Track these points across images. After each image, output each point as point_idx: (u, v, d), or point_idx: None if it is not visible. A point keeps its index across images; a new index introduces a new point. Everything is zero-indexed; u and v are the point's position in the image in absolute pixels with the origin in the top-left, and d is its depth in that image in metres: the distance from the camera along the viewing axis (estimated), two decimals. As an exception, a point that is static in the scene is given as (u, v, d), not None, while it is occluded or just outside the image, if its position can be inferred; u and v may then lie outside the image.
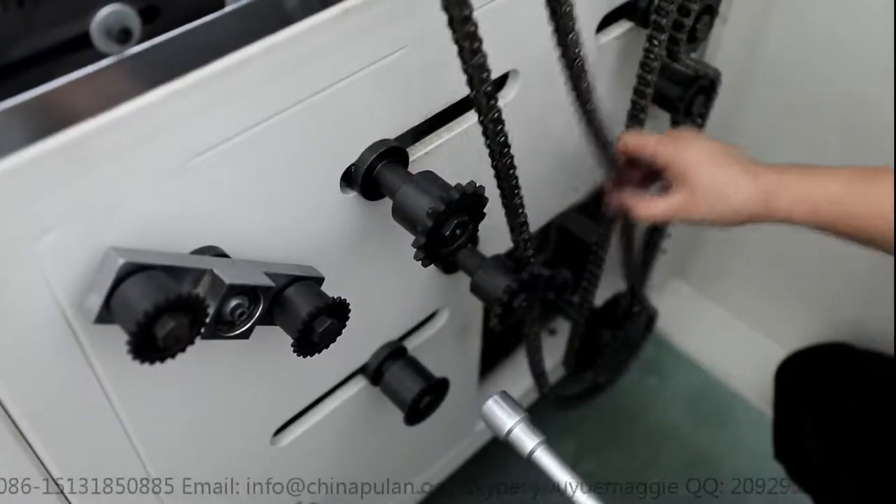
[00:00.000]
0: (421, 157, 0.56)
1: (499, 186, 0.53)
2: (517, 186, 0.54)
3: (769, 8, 0.85)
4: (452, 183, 0.50)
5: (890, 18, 0.78)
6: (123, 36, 0.35)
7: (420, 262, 0.50)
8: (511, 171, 0.52)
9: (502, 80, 0.61)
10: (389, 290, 0.64)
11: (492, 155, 0.50)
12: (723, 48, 0.81)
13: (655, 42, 0.64)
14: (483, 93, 0.45)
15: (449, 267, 0.69)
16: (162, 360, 0.40)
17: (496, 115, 0.47)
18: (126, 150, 0.38)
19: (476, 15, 0.40)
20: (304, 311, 0.47)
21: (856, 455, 0.80)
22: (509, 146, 0.50)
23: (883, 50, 0.80)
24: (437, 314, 0.74)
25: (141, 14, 0.35)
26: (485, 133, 0.49)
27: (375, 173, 0.52)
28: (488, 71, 0.44)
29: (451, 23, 0.39)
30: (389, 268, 0.62)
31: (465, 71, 0.42)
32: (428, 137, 0.58)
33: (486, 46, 0.43)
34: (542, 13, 0.50)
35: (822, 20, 0.83)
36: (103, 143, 0.37)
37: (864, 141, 0.86)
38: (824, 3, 0.82)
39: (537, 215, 0.76)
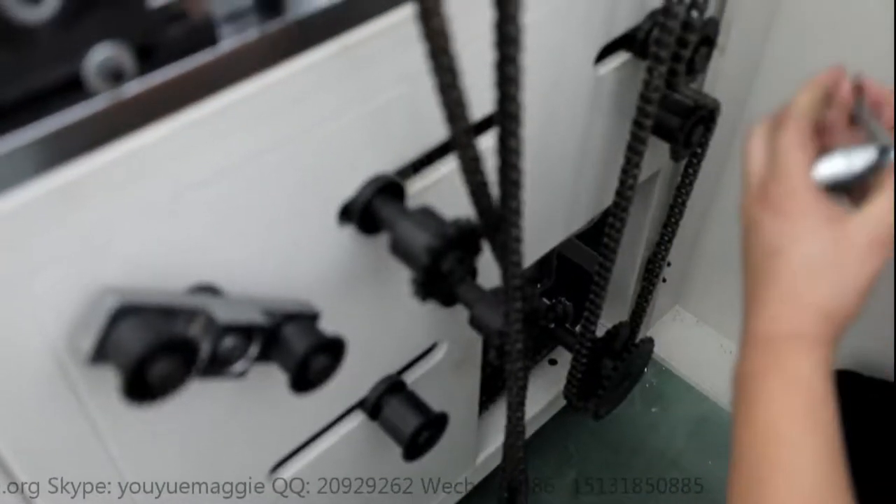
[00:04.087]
0: (420, 191, 0.56)
1: (483, 227, 0.51)
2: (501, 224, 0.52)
3: (767, 38, 0.86)
4: (453, 215, 0.50)
5: (889, 50, 0.78)
6: (117, 76, 0.34)
7: (418, 299, 0.49)
8: (493, 210, 0.50)
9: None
10: (387, 323, 0.63)
11: (472, 195, 0.49)
12: (721, 79, 0.81)
13: (654, 74, 0.64)
14: (462, 131, 0.44)
15: (447, 300, 0.68)
16: (155, 401, 0.40)
17: (472, 153, 0.45)
18: (119, 188, 0.38)
19: (459, 49, 0.39)
20: (299, 349, 0.46)
21: (858, 483, 0.79)
22: (487, 185, 0.48)
23: (883, 80, 0.79)
24: (436, 347, 0.73)
25: (135, 53, 0.35)
26: (462, 170, 0.47)
27: (373, 208, 0.52)
28: (466, 107, 0.43)
29: (431, 56, 0.39)
30: (387, 301, 0.61)
31: (444, 106, 0.41)
32: (426, 171, 0.57)
33: (474, 82, 0.42)
34: (536, 50, 0.50)
35: (819, 50, 0.83)
36: (95, 182, 0.37)
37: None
38: (822, 34, 0.82)
39: (532, 249, 0.76)
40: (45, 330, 0.39)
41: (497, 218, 0.50)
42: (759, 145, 0.50)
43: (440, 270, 0.50)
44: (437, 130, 0.54)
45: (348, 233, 0.53)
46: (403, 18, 0.45)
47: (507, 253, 0.50)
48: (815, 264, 0.45)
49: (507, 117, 0.44)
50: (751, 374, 0.46)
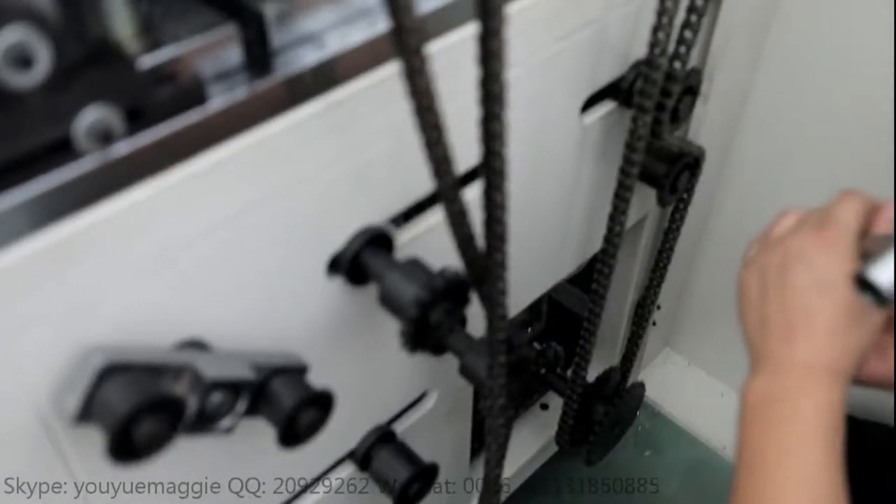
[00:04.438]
0: (409, 241, 0.56)
1: (470, 279, 0.52)
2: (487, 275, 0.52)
3: (750, 84, 0.87)
4: (443, 264, 0.50)
5: (876, 94, 0.79)
6: (105, 137, 0.35)
7: (406, 350, 0.49)
8: (480, 262, 0.50)
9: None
10: (376, 373, 0.63)
11: (459, 247, 0.49)
12: (706, 125, 0.83)
13: (639, 123, 0.64)
14: (449, 186, 0.44)
15: (437, 349, 0.68)
16: (140, 460, 0.39)
17: (459, 207, 0.46)
18: (108, 246, 0.38)
19: (445, 101, 0.40)
20: (287, 404, 0.46)
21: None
22: (473, 237, 0.48)
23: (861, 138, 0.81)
24: (426, 396, 0.72)
25: (124, 114, 0.36)
26: (449, 224, 0.47)
27: (362, 260, 0.52)
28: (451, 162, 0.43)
29: (417, 114, 0.39)
30: (376, 351, 0.61)
31: (430, 161, 0.42)
32: (415, 221, 0.58)
33: (460, 134, 0.43)
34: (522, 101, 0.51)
35: (803, 95, 0.84)
36: (84, 242, 0.37)
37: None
38: (804, 79, 0.83)
39: (521, 295, 0.76)
40: (31, 388, 0.39)
41: (483, 270, 0.50)
42: (755, 274, 0.53)
43: (429, 322, 0.50)
44: (424, 181, 0.54)
45: (337, 284, 0.53)
46: (388, 74, 0.46)
47: (492, 305, 0.50)
48: (858, 309, 0.48)
49: (492, 172, 0.44)
50: (780, 396, 0.48)
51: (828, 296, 0.48)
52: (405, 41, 0.35)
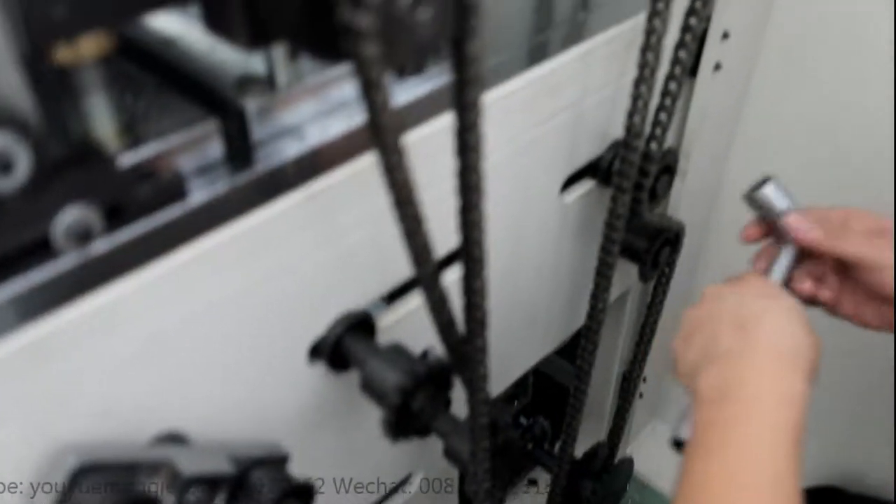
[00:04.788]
0: (391, 324, 0.56)
1: (452, 364, 0.52)
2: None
3: (726, 159, 0.89)
4: (427, 345, 0.50)
5: (853, 168, 0.81)
6: (84, 236, 0.35)
7: (389, 439, 0.49)
8: (461, 347, 0.50)
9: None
10: (359, 458, 0.62)
11: (440, 333, 0.49)
12: (685, 201, 0.84)
13: (618, 202, 0.65)
14: (428, 274, 0.44)
15: (421, 431, 0.67)
16: (114, 562, 0.38)
17: (439, 295, 0.46)
18: (85, 342, 0.38)
19: (423, 186, 0.40)
20: (267, 497, 0.45)
21: None
22: (454, 323, 0.49)
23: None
24: (410, 478, 0.71)
25: (103, 212, 0.36)
26: (429, 310, 0.47)
27: (343, 346, 0.52)
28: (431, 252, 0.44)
29: (396, 205, 0.40)
30: (358, 436, 0.60)
31: (409, 250, 0.42)
32: (397, 304, 0.58)
33: (440, 218, 0.43)
34: (502, 184, 0.51)
35: (778, 168, 0.86)
36: (61, 339, 0.37)
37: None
38: (779, 152, 0.85)
39: (505, 373, 0.76)
40: (4, 486, 0.38)
41: (464, 356, 0.50)
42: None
43: (411, 409, 0.49)
44: (405, 266, 0.55)
45: (318, 370, 0.53)
46: (367, 164, 0.47)
47: (473, 390, 0.50)
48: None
49: (471, 260, 0.45)
50: (737, 384, 0.48)
51: (774, 299, 0.53)
52: (383, 139, 0.36)
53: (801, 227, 0.59)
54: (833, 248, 0.58)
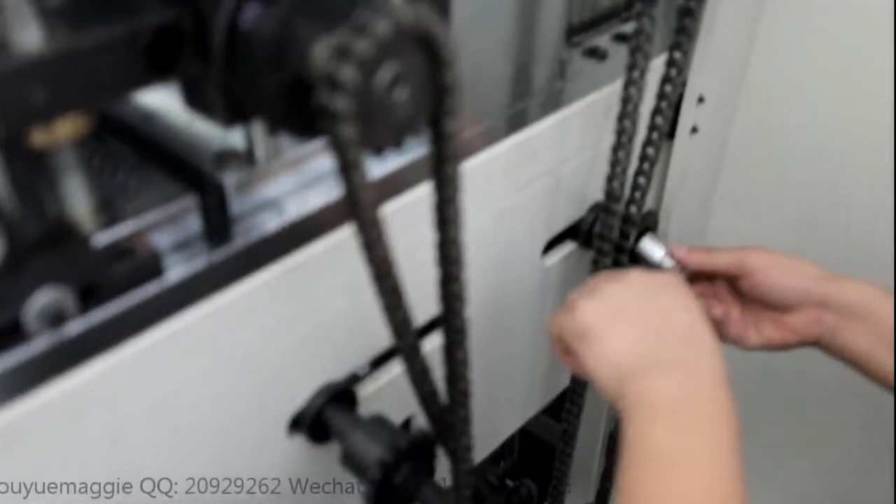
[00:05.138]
0: (373, 392, 0.55)
1: (435, 434, 0.51)
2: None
3: (705, 224, 0.90)
4: (409, 413, 0.49)
5: (831, 225, 0.81)
6: (57, 319, 0.34)
7: (370, 514, 0.48)
8: (443, 418, 0.50)
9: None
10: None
11: (421, 404, 0.49)
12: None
13: (599, 264, 0.66)
14: (409, 347, 0.44)
15: (405, 501, 0.66)
16: None
17: (420, 366, 0.46)
18: (56, 426, 0.37)
19: (402, 256, 0.40)
20: (245, 580, 0.44)
21: None
22: (436, 394, 0.49)
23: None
24: (395, 549, 0.70)
25: (78, 293, 0.35)
26: (410, 381, 0.47)
27: (323, 418, 0.51)
28: (411, 325, 0.44)
29: (376, 280, 0.39)
30: (341, 508, 0.59)
31: (389, 323, 0.42)
32: (380, 370, 0.57)
33: (420, 286, 0.43)
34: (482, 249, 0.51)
35: (758, 229, 0.87)
36: (31, 424, 0.36)
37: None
38: (760, 213, 0.86)
39: (489, 437, 0.75)
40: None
41: (447, 426, 0.49)
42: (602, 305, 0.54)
43: (393, 482, 0.48)
44: (385, 335, 0.54)
45: (298, 443, 0.51)
46: (346, 236, 0.46)
47: (457, 461, 0.49)
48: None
49: (453, 331, 0.44)
50: (694, 401, 0.47)
51: (696, 311, 0.52)
52: (361, 216, 0.36)
53: (676, 251, 0.66)
54: (703, 263, 0.64)
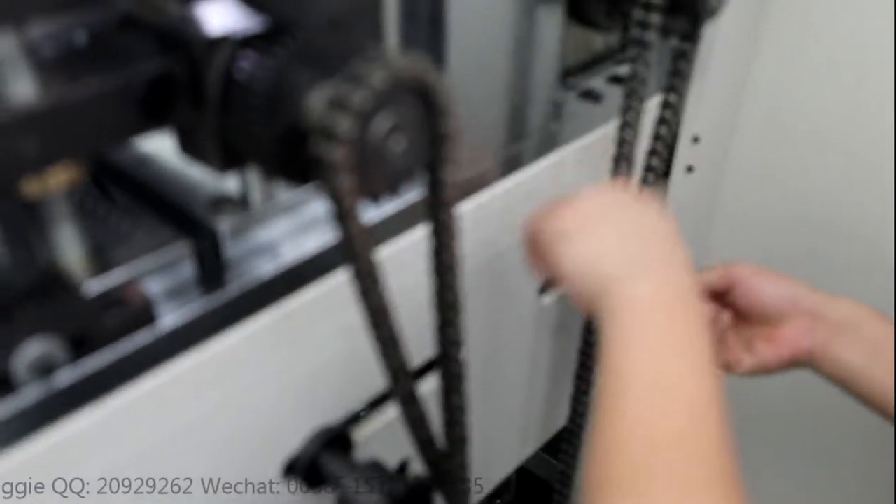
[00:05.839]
0: (369, 436, 0.54)
1: (432, 479, 0.50)
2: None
3: (701, 261, 0.90)
4: (405, 456, 0.48)
5: (827, 261, 0.81)
6: (47, 370, 0.34)
7: (366, 564, 0.47)
8: (441, 463, 0.49)
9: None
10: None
11: (418, 449, 0.48)
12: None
13: (596, 305, 0.65)
14: (406, 392, 0.43)
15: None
16: None
17: (417, 412, 0.45)
18: (44, 477, 0.36)
19: (398, 296, 0.39)
20: None
21: None
22: (433, 440, 0.48)
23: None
24: None
25: (68, 343, 0.35)
26: (407, 427, 0.46)
27: (318, 463, 0.50)
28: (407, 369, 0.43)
29: (372, 326, 0.39)
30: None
31: (386, 369, 0.42)
32: (375, 414, 0.56)
33: (417, 327, 0.42)
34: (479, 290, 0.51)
35: (753, 255, 0.87)
36: (18, 475, 0.35)
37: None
38: (753, 251, 0.86)
39: (486, 478, 0.74)
40: None
41: (444, 472, 0.48)
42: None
43: (389, 531, 0.48)
44: (380, 379, 0.54)
45: (292, 491, 0.51)
46: (341, 280, 0.46)
47: (456, 507, 0.48)
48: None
49: (450, 376, 0.44)
50: (677, 300, 0.46)
51: (673, 224, 0.50)
52: (357, 263, 0.35)
53: None
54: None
